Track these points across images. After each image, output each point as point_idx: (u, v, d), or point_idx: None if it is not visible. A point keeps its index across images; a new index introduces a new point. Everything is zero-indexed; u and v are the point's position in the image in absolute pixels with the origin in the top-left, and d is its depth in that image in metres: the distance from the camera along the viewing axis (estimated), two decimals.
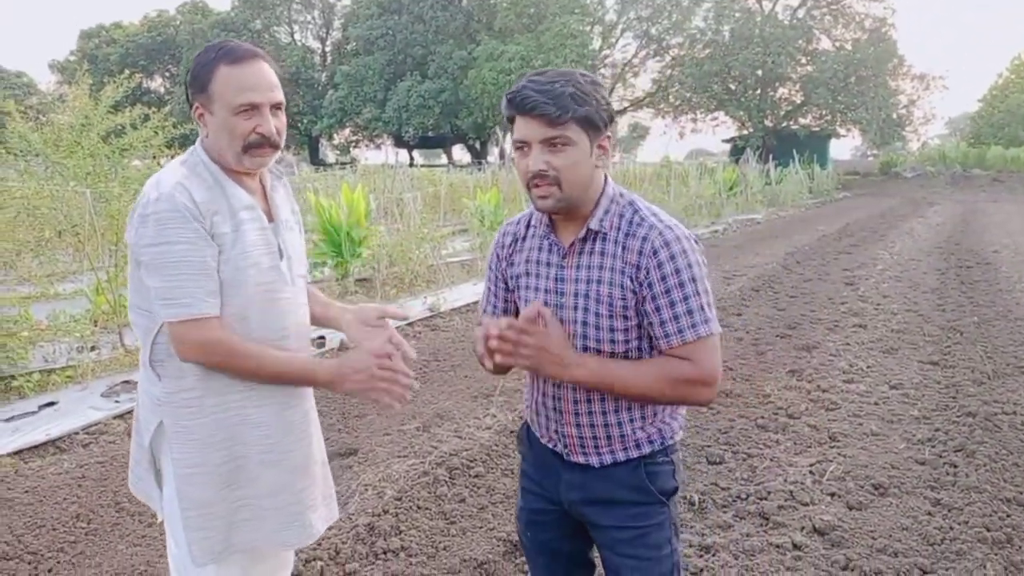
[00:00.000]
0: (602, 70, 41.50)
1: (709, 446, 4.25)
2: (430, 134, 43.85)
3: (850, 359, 5.96)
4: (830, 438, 4.37)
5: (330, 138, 48.86)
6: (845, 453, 4.13)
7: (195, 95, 1.78)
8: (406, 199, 12.12)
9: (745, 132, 38.49)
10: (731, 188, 21.86)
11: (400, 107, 39.98)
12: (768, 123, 37.60)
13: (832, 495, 3.64)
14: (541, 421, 1.79)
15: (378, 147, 49.30)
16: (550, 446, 1.80)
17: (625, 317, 1.62)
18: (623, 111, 45.66)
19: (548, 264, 1.72)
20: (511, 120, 1.62)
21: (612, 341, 1.63)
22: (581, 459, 1.73)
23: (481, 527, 3.39)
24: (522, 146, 1.59)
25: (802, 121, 39.02)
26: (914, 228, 16.83)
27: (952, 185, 34.71)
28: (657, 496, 1.71)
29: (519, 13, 37.79)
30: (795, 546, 3.15)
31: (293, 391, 1.90)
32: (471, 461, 3.98)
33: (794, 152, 29.32)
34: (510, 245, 1.83)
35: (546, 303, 1.69)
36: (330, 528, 3.29)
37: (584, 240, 1.66)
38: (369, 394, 1.76)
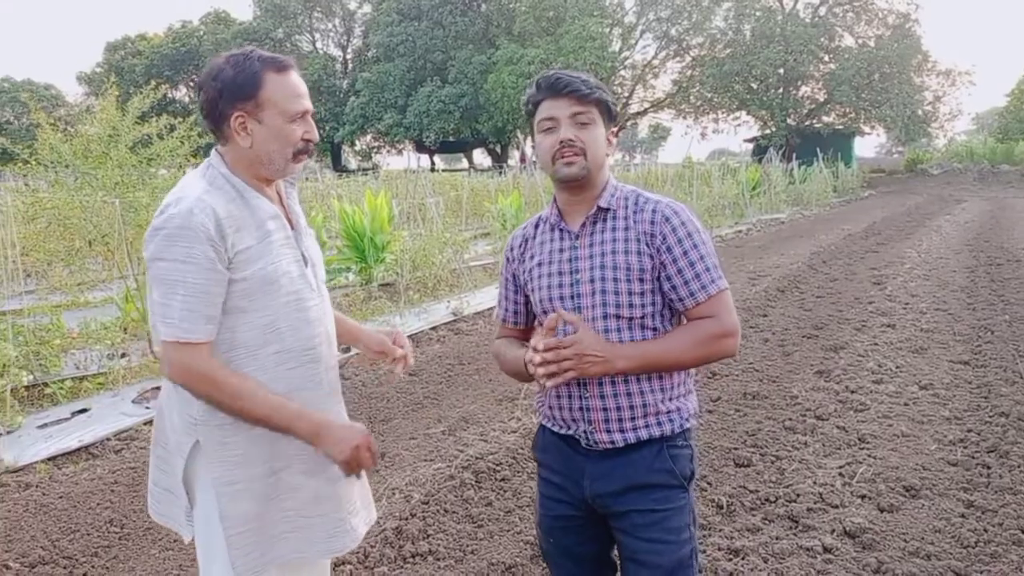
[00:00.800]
0: (622, 72, 41.43)
1: (736, 448, 4.22)
2: (451, 138, 44.01)
3: (878, 359, 5.88)
4: (859, 440, 4.32)
5: (352, 144, 49.23)
6: (875, 455, 4.08)
7: (236, 103, 1.71)
8: (428, 204, 12.17)
9: (768, 131, 38.19)
10: (754, 188, 21.69)
11: (421, 112, 40.18)
12: (791, 122, 37.28)
13: (863, 497, 3.60)
14: (563, 404, 1.83)
15: (399, 152, 49.60)
16: (570, 433, 1.83)
17: (641, 281, 1.74)
18: (643, 112, 45.50)
19: (560, 250, 1.84)
20: (536, 106, 1.78)
21: (630, 305, 1.74)
22: (606, 437, 1.78)
23: (508, 530, 3.39)
24: (550, 125, 1.75)
25: (825, 119, 38.66)
26: (942, 226, 16.59)
27: (980, 181, 34.17)
28: (679, 479, 1.79)
29: (538, 17, 37.83)
30: (825, 549, 3.12)
31: (328, 398, 1.89)
32: (497, 465, 3.99)
33: (818, 151, 29.03)
34: (520, 246, 1.96)
35: (561, 285, 1.81)
36: None
37: (595, 220, 1.81)
38: (341, 464, 1.73)
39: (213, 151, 1.80)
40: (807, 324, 7.20)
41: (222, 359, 1.72)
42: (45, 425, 4.84)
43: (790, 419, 4.65)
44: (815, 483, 3.73)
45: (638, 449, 1.77)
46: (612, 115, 1.80)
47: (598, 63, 35.57)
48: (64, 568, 3.19)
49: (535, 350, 1.65)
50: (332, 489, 1.88)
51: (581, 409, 1.80)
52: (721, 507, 3.53)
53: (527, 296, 1.94)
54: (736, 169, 22.40)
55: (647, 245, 1.74)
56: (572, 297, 1.79)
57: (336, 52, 50.54)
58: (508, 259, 1.98)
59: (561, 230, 1.85)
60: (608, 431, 1.78)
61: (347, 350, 6.56)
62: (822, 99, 37.85)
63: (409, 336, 7.11)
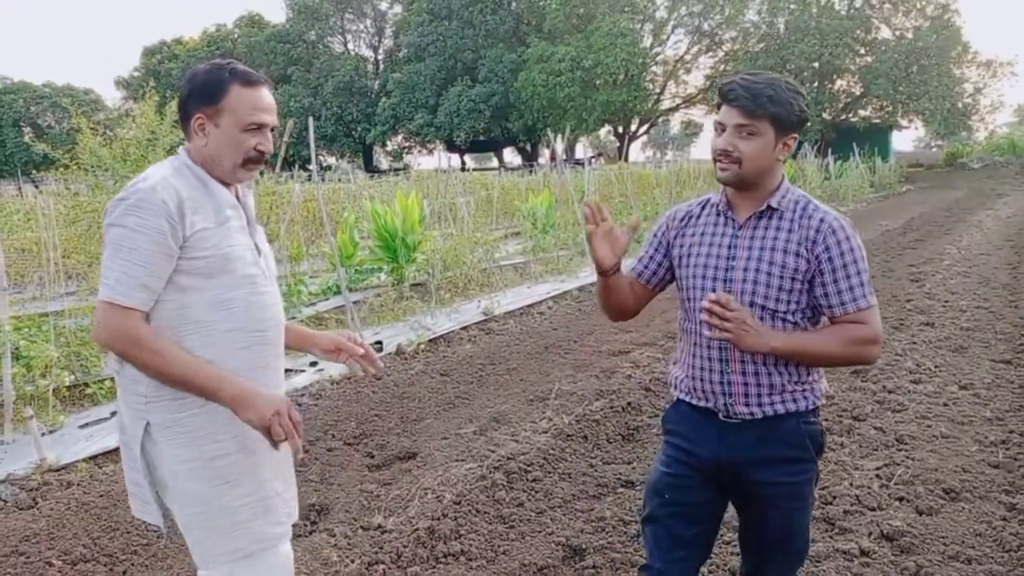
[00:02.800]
0: (653, 68, 41.13)
1: None
2: (481, 138, 44.11)
3: (917, 358, 5.77)
4: (897, 440, 4.24)
5: (383, 145, 49.52)
6: (914, 456, 4.00)
7: (200, 106, 1.84)
8: (459, 204, 12.21)
9: None
10: None
11: (451, 112, 40.30)
12: (826, 116, 36.70)
13: (901, 500, 3.53)
14: (705, 377, 1.98)
15: (430, 152, 49.78)
16: (708, 405, 1.99)
17: (793, 279, 1.88)
18: (675, 108, 45.14)
19: (722, 235, 1.99)
20: (718, 106, 1.95)
21: (777, 300, 1.90)
22: (745, 410, 1.93)
23: (540, 531, 3.39)
24: (720, 128, 1.91)
25: (862, 113, 38.01)
26: (983, 221, 16.20)
27: (1022, 175, 33.28)
28: (811, 453, 1.97)
29: (568, 14, 37.72)
30: (863, 552, 3.07)
31: (274, 379, 1.95)
32: (528, 465, 3.99)
33: (854, 145, 28.53)
34: (683, 219, 2.10)
35: (716, 267, 1.96)
36: (391, 531, 3.35)
37: (761, 216, 1.94)
38: (262, 431, 1.74)
39: (181, 147, 1.94)
40: None
41: (171, 334, 1.76)
42: (86, 425, 4.96)
43: (826, 419, 4.58)
44: (852, 485, 3.67)
45: (778, 422, 1.93)
46: (787, 124, 1.86)
47: (629, 59, 35.38)
48: (105, 566, 3.26)
49: (708, 299, 1.80)
50: (282, 470, 1.97)
51: (722, 383, 1.95)
52: None
53: (667, 265, 2.10)
54: None
55: (806, 250, 1.88)
56: (724, 281, 1.94)
57: (367, 53, 50.90)
58: (667, 226, 2.12)
59: (727, 217, 1.99)
60: (747, 404, 1.94)
61: (379, 350, 6.64)
62: (858, 93, 37.24)
63: (440, 336, 7.17)
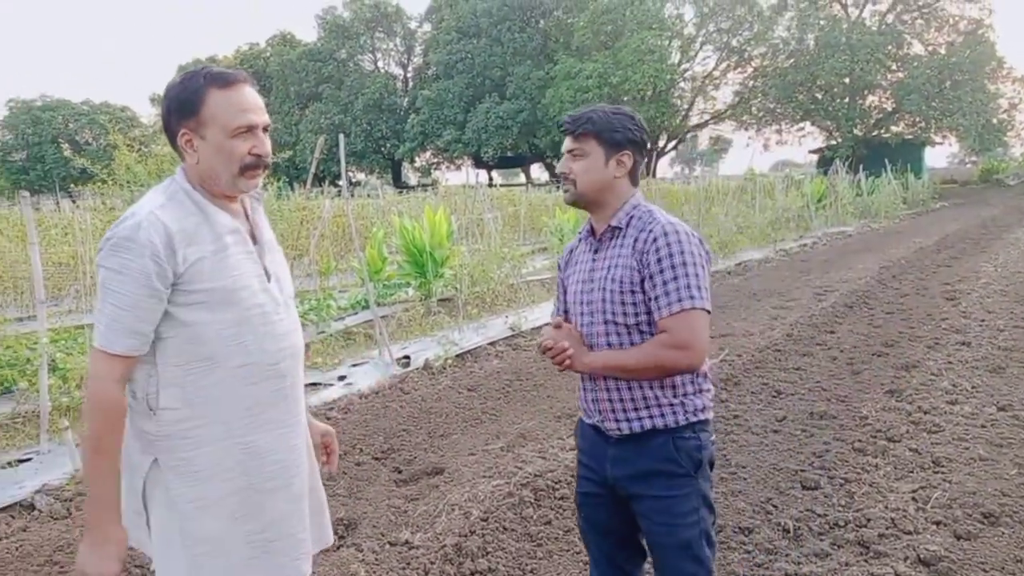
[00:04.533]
0: (681, 84, 41.08)
1: (803, 470, 4.10)
2: (508, 154, 44.32)
3: (953, 379, 5.65)
4: (934, 463, 4.14)
5: (412, 161, 49.95)
6: (951, 479, 3.90)
7: (181, 121, 1.73)
8: (486, 219, 12.25)
9: (833, 142, 37.33)
10: (820, 200, 21.17)
11: (479, 128, 40.57)
12: (857, 132, 36.35)
13: (938, 524, 3.44)
14: (585, 396, 2.12)
15: (458, 168, 50.12)
16: (592, 421, 2.10)
17: (632, 292, 1.95)
18: (703, 124, 44.99)
19: (585, 260, 2.12)
20: None
21: (624, 314, 1.96)
22: (613, 425, 2.02)
23: (568, 550, 3.36)
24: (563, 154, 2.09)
25: (894, 129, 37.54)
26: (1020, 239, 15.87)
27: None
28: (685, 468, 1.97)
29: (596, 31, 37.86)
30: None
31: (291, 414, 1.87)
32: (556, 483, 3.96)
33: (886, 161, 28.15)
34: (567, 255, 2.25)
35: (582, 291, 2.07)
36: (418, 547, 3.34)
37: (611, 236, 2.04)
38: (77, 569, 1.69)
39: (179, 167, 1.82)
40: (876, 341, 6.97)
41: (180, 372, 1.71)
42: None
43: (860, 440, 4.50)
44: (887, 508, 3.59)
45: (648, 438, 1.98)
46: (612, 142, 1.99)
47: (656, 76, 35.38)
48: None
49: (539, 343, 2.04)
50: (295, 507, 1.87)
51: (594, 400, 2.06)
52: (788, 531, 3.43)
53: None
54: (800, 181, 21.91)
55: (637, 261, 1.94)
56: (587, 303, 2.05)
57: (397, 71, 51.50)
58: (559, 266, 2.29)
59: (588, 241, 2.13)
60: (616, 420, 2.01)
61: (407, 365, 6.66)
62: (890, 108, 36.82)
63: (468, 351, 7.17)
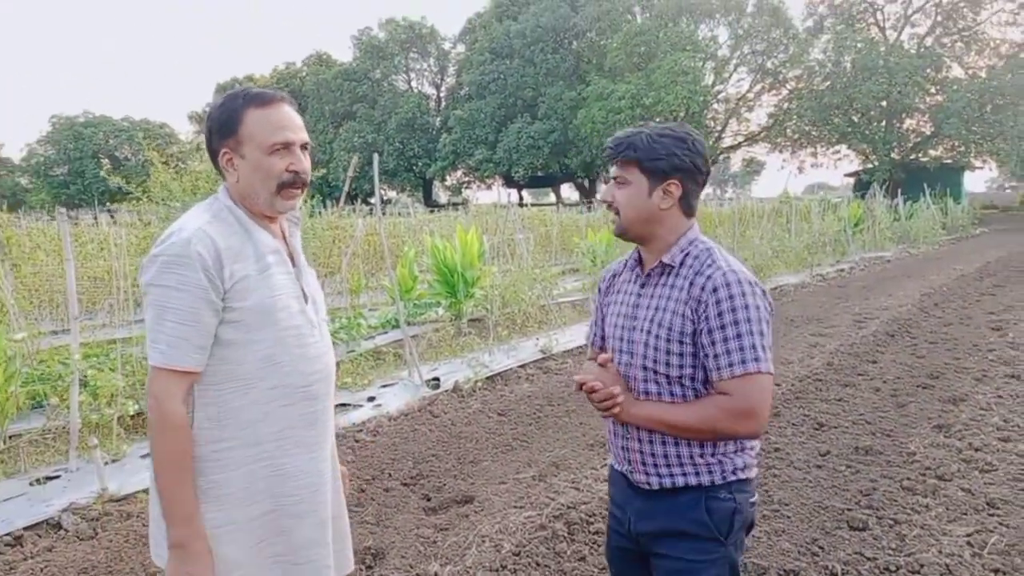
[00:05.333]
0: (715, 105, 40.87)
1: (850, 509, 3.91)
2: (539, 173, 44.35)
3: (1004, 414, 5.40)
4: (988, 504, 3.93)
5: (443, 179, 50.27)
6: (1007, 522, 3.69)
7: (222, 140, 1.76)
8: (518, 239, 12.17)
9: (870, 165, 36.79)
10: (857, 224, 20.79)
11: (511, 148, 40.71)
12: (895, 156, 35.81)
13: (996, 571, 3.24)
14: (615, 442, 1.94)
15: (488, 187, 50.29)
16: (621, 469, 1.95)
17: (681, 343, 1.76)
18: (736, 146, 44.70)
19: (629, 292, 1.94)
20: None
21: (668, 364, 1.78)
22: (642, 478, 1.85)
23: None
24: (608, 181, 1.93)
25: (932, 153, 36.93)
26: None
27: None
28: (714, 532, 1.78)
29: (629, 52, 37.87)
30: None
31: (321, 438, 1.85)
32: (590, 516, 3.83)
33: (924, 186, 27.63)
34: (608, 280, 2.07)
35: (623, 327, 1.90)
36: None
37: (661, 273, 1.86)
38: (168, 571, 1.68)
39: (221, 186, 1.84)
40: (921, 373, 6.73)
41: (214, 393, 1.70)
42: (148, 455, 4.97)
43: (908, 478, 4.29)
44: (940, 552, 3.40)
45: (676, 495, 1.81)
46: (657, 170, 1.80)
47: (690, 97, 35.23)
48: None
49: (575, 378, 1.83)
50: (321, 534, 1.84)
51: (624, 448, 1.90)
52: (835, 575, 3.25)
53: None
54: (837, 204, 21.55)
55: (691, 310, 1.76)
56: (627, 342, 1.87)
57: (430, 90, 51.98)
58: (600, 290, 2.11)
59: (635, 273, 1.95)
60: (646, 473, 1.85)
61: (436, 386, 6.57)
62: (929, 132, 36.23)
63: (498, 373, 7.06)
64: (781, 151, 41.79)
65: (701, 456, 1.78)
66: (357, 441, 5.22)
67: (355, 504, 4.15)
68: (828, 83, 36.42)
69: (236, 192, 1.79)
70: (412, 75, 51.92)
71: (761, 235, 15.60)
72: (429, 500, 4.25)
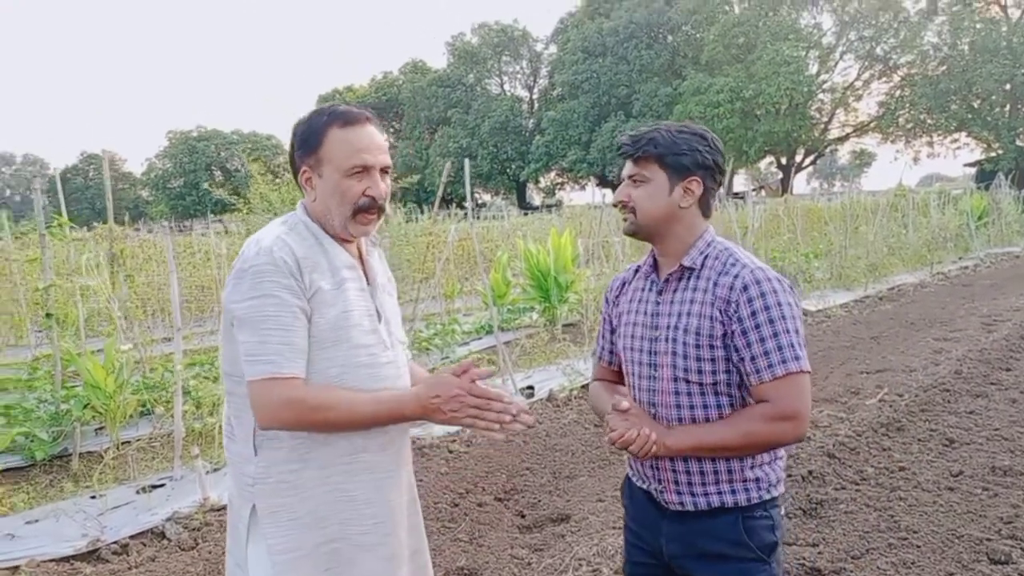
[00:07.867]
0: (820, 95, 39.16)
1: (989, 539, 3.50)
2: None
3: None
4: None
5: (536, 182, 50.36)
6: None
7: (303, 158, 1.72)
8: (612, 241, 11.89)
9: (993, 154, 34.27)
10: (980, 218, 19.33)
11: (604, 147, 40.31)
12: (1020, 143, 33.20)
13: None
14: (642, 461, 1.80)
15: (582, 188, 50.02)
16: (645, 487, 1.84)
17: (711, 347, 1.68)
18: (845, 138, 42.68)
19: (646, 301, 1.84)
20: None
21: (699, 371, 1.70)
22: (675, 499, 1.75)
23: None
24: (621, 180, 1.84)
25: None
26: None
27: None
28: (756, 552, 1.71)
29: (728, 44, 36.80)
30: None
31: (394, 460, 1.78)
32: None
33: None
34: (618, 288, 1.98)
35: (642, 337, 1.80)
36: None
37: (680, 277, 1.77)
38: (462, 421, 1.59)
39: (299, 202, 1.81)
40: None
41: None
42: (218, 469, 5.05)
43: None
44: None
45: (712, 516, 1.73)
46: (679, 166, 1.72)
47: (793, 88, 33.88)
48: None
49: (608, 434, 1.67)
50: (391, 569, 1.76)
51: (653, 467, 1.78)
52: None
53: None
54: (957, 197, 20.13)
55: (720, 312, 1.68)
56: (650, 353, 1.78)
57: (523, 93, 52.18)
58: (607, 300, 2.01)
59: (651, 280, 1.85)
60: (679, 493, 1.76)
61: (530, 395, 6.42)
62: None
63: None
64: (893, 141, 39.54)
65: (741, 471, 1.71)
66: (451, 452, 5.13)
67: (449, 520, 4.05)
68: (944, 68, 34.22)
69: (313, 211, 1.75)
70: (505, 78, 52.31)
71: (875, 231, 14.68)
72: (523, 517, 4.10)
